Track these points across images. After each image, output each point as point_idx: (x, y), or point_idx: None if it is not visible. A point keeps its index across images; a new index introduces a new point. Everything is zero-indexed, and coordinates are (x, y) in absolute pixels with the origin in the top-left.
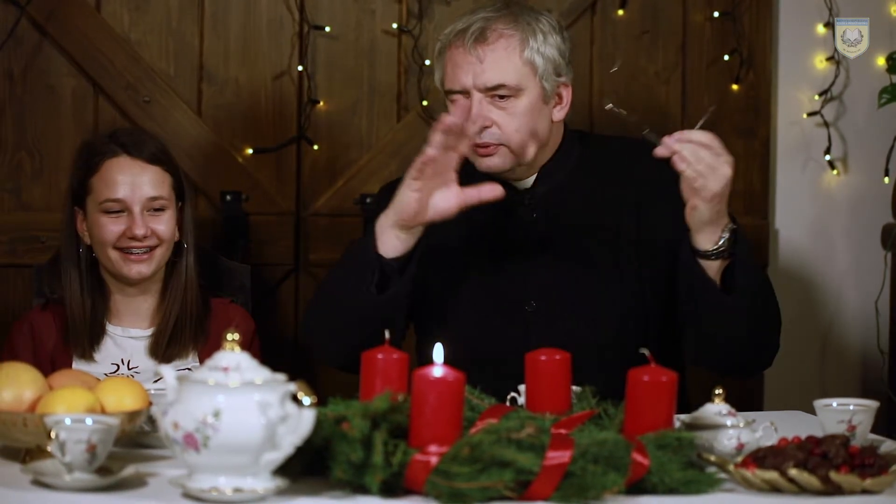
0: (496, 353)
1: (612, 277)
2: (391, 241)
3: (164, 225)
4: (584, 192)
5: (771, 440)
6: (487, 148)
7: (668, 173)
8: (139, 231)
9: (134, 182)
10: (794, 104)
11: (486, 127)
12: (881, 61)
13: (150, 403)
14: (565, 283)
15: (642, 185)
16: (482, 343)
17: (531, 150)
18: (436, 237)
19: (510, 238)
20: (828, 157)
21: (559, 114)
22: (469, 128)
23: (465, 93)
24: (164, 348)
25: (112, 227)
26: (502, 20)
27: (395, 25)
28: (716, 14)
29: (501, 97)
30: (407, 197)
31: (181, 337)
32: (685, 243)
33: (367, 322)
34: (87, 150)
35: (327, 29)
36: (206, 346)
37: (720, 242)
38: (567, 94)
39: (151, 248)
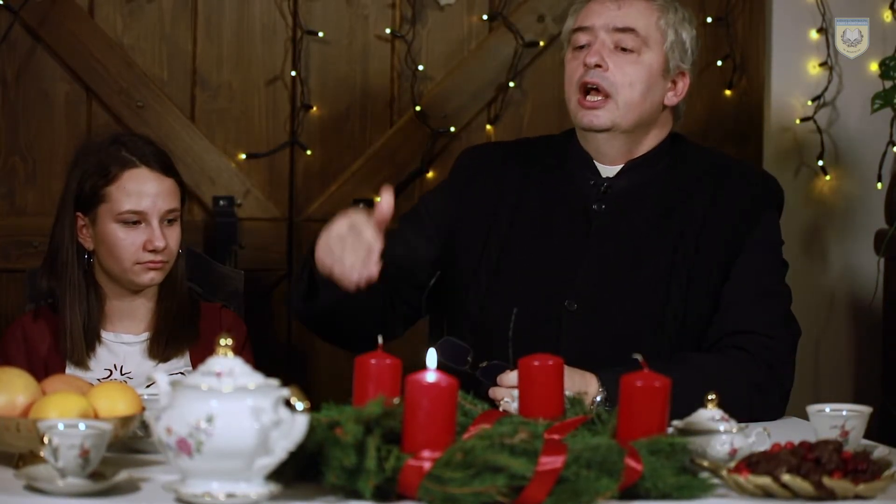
0: (523, 349)
1: (659, 294)
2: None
3: (176, 237)
4: (658, 200)
5: (764, 445)
6: (595, 100)
7: (749, 202)
8: (160, 243)
9: (154, 194)
10: (787, 110)
11: (601, 68)
12: (874, 67)
13: (144, 408)
14: (611, 290)
15: (717, 206)
16: (509, 336)
17: (634, 116)
18: (500, 211)
19: (569, 225)
20: (820, 163)
21: (671, 99)
22: (586, 61)
23: (591, 33)
24: (162, 348)
25: (130, 240)
26: None
27: (388, 31)
28: (709, 19)
29: (625, 49)
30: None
31: (177, 338)
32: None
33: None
34: (94, 156)
35: (320, 34)
36: (198, 349)
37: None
38: (684, 84)
39: (166, 260)
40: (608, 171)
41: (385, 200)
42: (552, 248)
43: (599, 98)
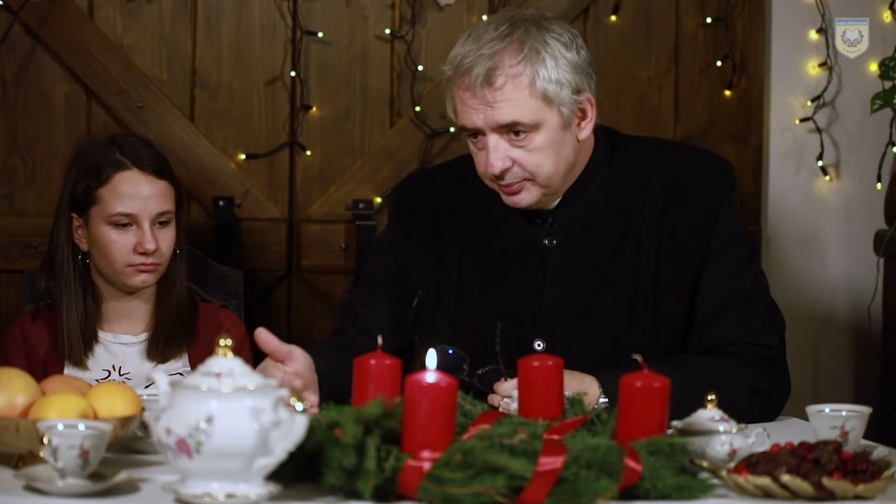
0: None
1: (626, 316)
2: None
3: (169, 239)
4: (607, 216)
5: (763, 446)
6: (512, 186)
7: (703, 197)
8: (150, 246)
9: (145, 197)
10: (787, 110)
11: (507, 169)
12: (874, 67)
13: (143, 409)
14: (576, 325)
15: (672, 209)
16: (497, 350)
17: (559, 179)
18: (446, 255)
19: (523, 264)
20: (820, 163)
21: (584, 132)
22: (488, 172)
23: (480, 132)
24: (161, 349)
25: (122, 242)
26: (508, 53)
27: (387, 31)
28: (708, 20)
29: (517, 133)
30: None
31: (176, 339)
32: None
33: None
34: (89, 157)
35: (320, 34)
36: (197, 349)
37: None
38: (591, 108)
39: (157, 262)
40: (549, 206)
41: (264, 340)
42: (510, 290)
43: (516, 184)
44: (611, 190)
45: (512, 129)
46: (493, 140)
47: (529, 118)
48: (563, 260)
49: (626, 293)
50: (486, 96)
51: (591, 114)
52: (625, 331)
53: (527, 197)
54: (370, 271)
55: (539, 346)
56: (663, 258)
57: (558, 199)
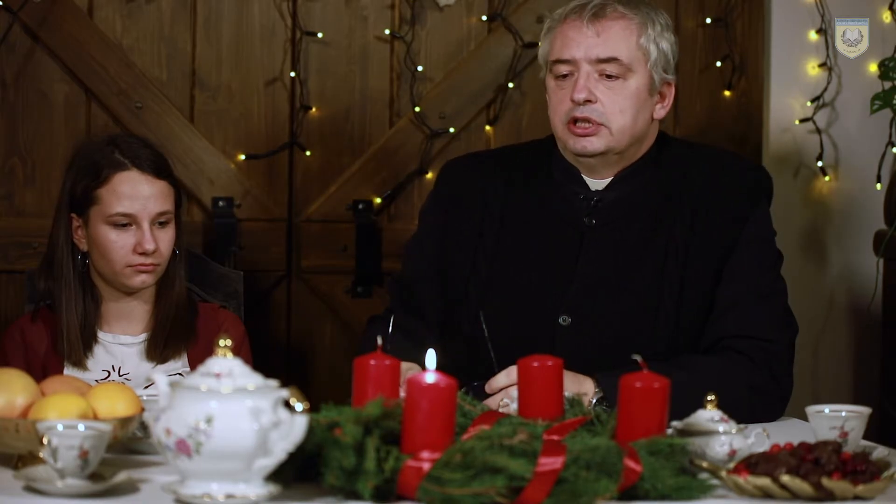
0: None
1: (651, 301)
2: None
3: (168, 239)
4: (648, 208)
5: (763, 446)
6: (587, 127)
7: (737, 198)
8: (149, 246)
9: (144, 197)
10: (787, 110)
11: (590, 102)
12: (873, 67)
13: (143, 409)
14: (603, 302)
15: (706, 206)
16: (503, 351)
17: (626, 140)
18: (486, 226)
19: (560, 240)
20: (820, 164)
21: (660, 112)
22: (574, 97)
23: (572, 64)
24: (160, 350)
25: (121, 243)
26: (622, 4)
27: (387, 31)
28: (708, 20)
29: (609, 76)
30: None
31: (175, 339)
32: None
33: None
34: (88, 157)
35: (320, 35)
36: (196, 349)
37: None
38: (670, 94)
39: (157, 262)
40: (597, 184)
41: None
42: (543, 264)
43: (591, 126)
44: (655, 182)
45: (607, 67)
46: (586, 70)
47: (627, 59)
48: (599, 239)
49: (654, 279)
50: (595, 28)
51: (669, 100)
52: (649, 315)
53: (596, 142)
54: (418, 245)
55: (564, 321)
56: (692, 250)
57: (608, 180)
